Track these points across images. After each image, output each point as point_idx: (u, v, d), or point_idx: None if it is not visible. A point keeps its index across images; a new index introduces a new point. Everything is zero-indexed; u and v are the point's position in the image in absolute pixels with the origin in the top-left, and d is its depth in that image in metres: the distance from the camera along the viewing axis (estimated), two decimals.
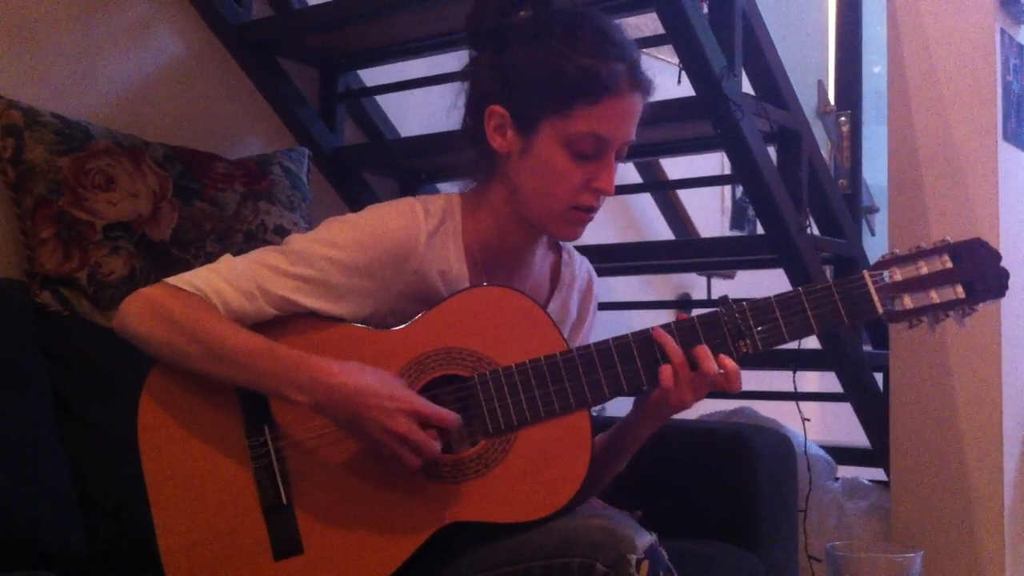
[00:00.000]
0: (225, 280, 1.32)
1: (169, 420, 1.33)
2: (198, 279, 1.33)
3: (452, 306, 1.35)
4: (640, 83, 1.37)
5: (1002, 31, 2.15)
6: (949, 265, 1.31)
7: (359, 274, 1.35)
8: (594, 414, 1.40)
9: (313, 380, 1.27)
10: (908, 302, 1.31)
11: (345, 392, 1.26)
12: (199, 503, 1.32)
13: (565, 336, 1.49)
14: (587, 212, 1.39)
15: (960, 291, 1.30)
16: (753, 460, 1.88)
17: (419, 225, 1.38)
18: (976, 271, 1.30)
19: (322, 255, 1.34)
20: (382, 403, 1.25)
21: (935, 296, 1.31)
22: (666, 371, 1.31)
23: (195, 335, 1.29)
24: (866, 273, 1.32)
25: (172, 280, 1.33)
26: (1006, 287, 1.31)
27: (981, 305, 1.31)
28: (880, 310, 1.31)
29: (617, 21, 1.42)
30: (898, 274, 1.31)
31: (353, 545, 1.30)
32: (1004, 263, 1.31)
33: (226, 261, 1.36)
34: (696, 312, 1.37)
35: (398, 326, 1.36)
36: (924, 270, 1.31)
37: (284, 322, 1.34)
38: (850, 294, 1.31)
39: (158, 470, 1.33)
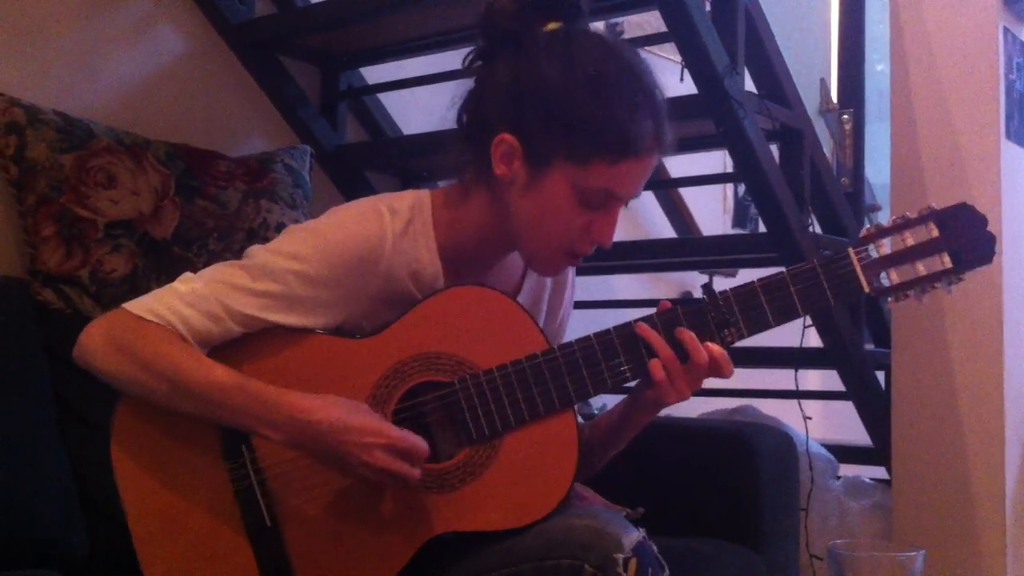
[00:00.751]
0: (188, 304, 1.27)
1: (143, 451, 1.30)
2: (160, 305, 1.28)
3: (428, 309, 1.31)
4: (663, 143, 1.32)
5: (1005, 29, 2.15)
6: (935, 234, 1.28)
7: (326, 284, 1.30)
8: (596, 412, 1.39)
9: (287, 418, 1.24)
10: (895, 276, 1.28)
11: (320, 430, 1.24)
12: (182, 532, 1.29)
13: (544, 312, 1.46)
14: (576, 257, 1.36)
15: (947, 261, 1.27)
16: (754, 459, 1.87)
17: (384, 227, 1.33)
18: (963, 239, 1.27)
19: (286, 268, 1.29)
20: (361, 439, 1.23)
21: (921, 268, 1.28)
22: (656, 365, 1.28)
23: (161, 371, 1.25)
24: (851, 250, 1.29)
25: (132, 307, 1.28)
26: (993, 253, 1.28)
27: (968, 274, 1.28)
28: (866, 288, 1.28)
29: (621, 19, 1.40)
30: (885, 246, 1.28)
31: (343, 563, 1.28)
32: (1004, 262, 1.30)
33: (187, 282, 1.31)
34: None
35: (373, 332, 1.32)
36: (910, 241, 1.28)
37: (255, 339, 1.30)
38: (835, 273, 1.29)
39: (137, 503, 1.30)
